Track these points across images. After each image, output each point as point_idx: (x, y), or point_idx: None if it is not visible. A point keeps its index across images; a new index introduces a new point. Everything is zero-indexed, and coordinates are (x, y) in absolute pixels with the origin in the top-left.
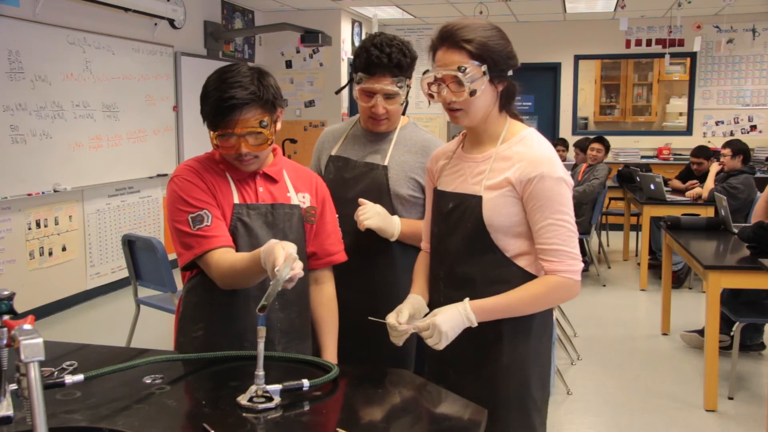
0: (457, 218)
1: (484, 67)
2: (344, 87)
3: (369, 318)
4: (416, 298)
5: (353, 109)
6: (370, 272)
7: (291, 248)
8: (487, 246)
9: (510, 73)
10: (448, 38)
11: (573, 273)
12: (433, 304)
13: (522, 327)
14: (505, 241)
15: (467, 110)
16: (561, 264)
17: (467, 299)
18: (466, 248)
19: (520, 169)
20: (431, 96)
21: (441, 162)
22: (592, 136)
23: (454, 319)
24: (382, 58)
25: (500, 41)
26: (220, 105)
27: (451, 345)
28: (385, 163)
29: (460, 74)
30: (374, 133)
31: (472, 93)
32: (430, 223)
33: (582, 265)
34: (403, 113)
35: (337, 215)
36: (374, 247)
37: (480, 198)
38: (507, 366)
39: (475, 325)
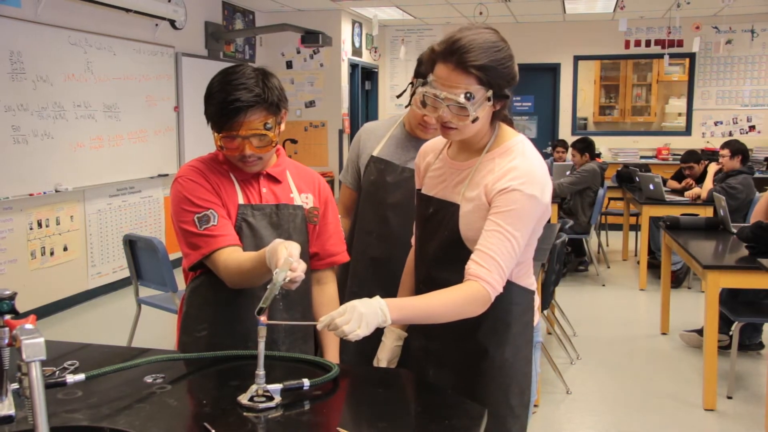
0: (437, 224)
1: (489, 93)
2: (404, 91)
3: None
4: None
5: (353, 109)
6: (398, 274)
7: (294, 249)
8: (463, 255)
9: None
10: (455, 57)
11: (494, 289)
12: None
13: (500, 335)
14: None
15: (463, 130)
16: (489, 274)
17: (377, 296)
18: (443, 255)
19: (494, 180)
20: (423, 105)
21: (428, 158)
22: (591, 137)
23: (371, 305)
24: None
25: (508, 63)
26: (224, 107)
27: (431, 349)
28: None
29: (466, 102)
30: (417, 138)
31: (475, 120)
32: (415, 225)
33: (500, 291)
34: None
35: (339, 216)
36: (403, 251)
37: (458, 207)
38: (483, 374)
39: (389, 322)
